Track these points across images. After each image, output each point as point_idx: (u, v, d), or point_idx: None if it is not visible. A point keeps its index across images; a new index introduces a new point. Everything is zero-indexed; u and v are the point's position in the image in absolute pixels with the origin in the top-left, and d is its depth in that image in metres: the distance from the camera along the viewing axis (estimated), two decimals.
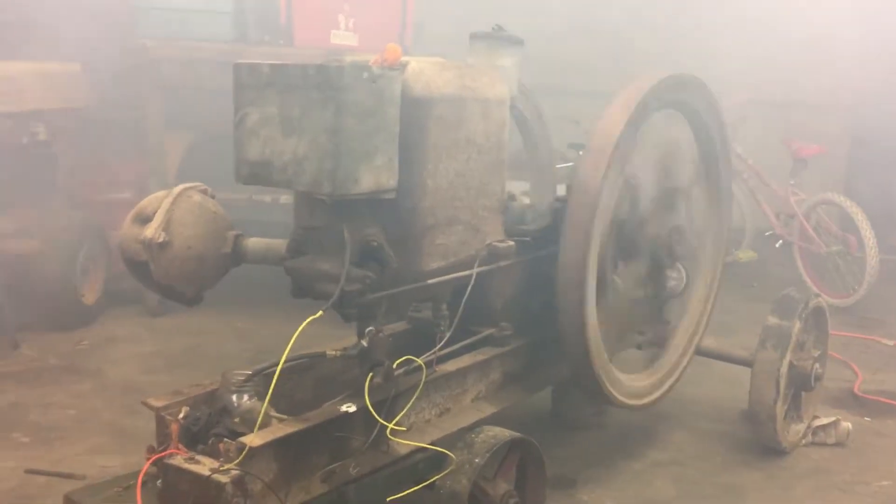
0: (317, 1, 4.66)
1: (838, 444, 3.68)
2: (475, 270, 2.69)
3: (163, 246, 2.44)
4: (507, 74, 2.85)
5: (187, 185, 2.65)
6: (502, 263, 2.82)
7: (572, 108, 6.26)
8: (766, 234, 6.68)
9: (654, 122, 3.16)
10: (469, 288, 2.66)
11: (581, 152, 5.66)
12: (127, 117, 5.12)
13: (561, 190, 3.26)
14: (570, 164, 6.47)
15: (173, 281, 2.51)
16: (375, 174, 2.33)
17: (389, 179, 2.38)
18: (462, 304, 2.66)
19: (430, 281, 2.57)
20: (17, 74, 4.72)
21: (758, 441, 3.57)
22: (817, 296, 3.66)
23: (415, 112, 2.42)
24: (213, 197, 2.69)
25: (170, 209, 2.48)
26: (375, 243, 2.42)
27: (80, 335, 4.62)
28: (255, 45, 4.73)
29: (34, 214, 4.76)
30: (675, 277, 3.47)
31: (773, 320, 3.40)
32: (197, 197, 2.59)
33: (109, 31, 5.03)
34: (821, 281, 6.24)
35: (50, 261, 4.58)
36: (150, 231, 2.44)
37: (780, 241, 6.54)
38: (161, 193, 2.60)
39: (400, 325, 3.07)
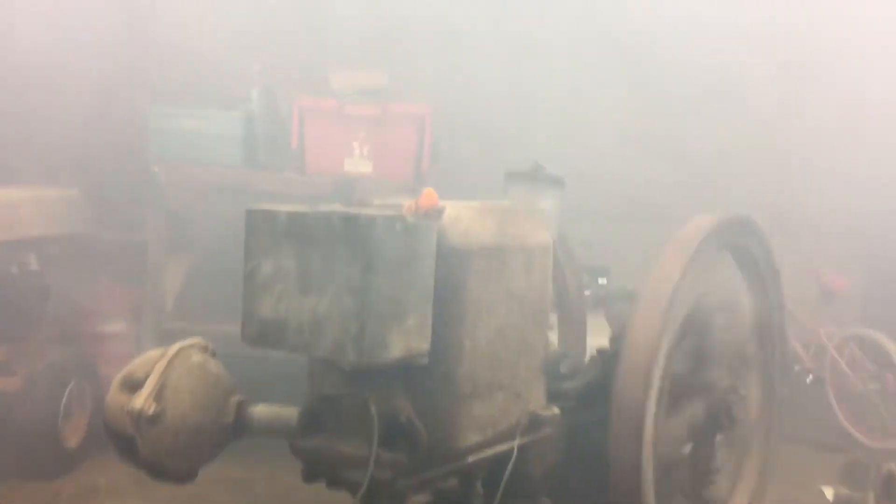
0: (330, 127, 4.45)
1: None
2: (516, 443, 2.32)
3: (154, 419, 2.08)
4: (547, 217, 2.56)
5: (185, 343, 2.31)
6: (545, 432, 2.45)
7: (578, 228, 6.07)
8: (795, 368, 6.31)
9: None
10: (511, 465, 2.28)
11: (601, 280, 5.32)
12: (126, 242, 4.84)
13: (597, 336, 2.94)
14: (588, 292, 6.16)
15: (163, 458, 2.14)
16: (406, 338, 1.99)
17: (422, 343, 2.04)
18: (502, 483, 2.28)
19: (467, 460, 2.20)
20: (10, 201, 4.44)
21: None
22: (887, 461, 3.28)
23: (452, 265, 2.11)
24: (213, 355, 2.35)
25: (164, 373, 2.14)
26: (404, 418, 2.06)
27: (59, 485, 4.18)
28: (263, 171, 4.49)
29: (19, 349, 4.40)
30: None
31: (843, 492, 3.01)
32: (196, 357, 2.24)
33: (117, 154, 4.82)
34: (857, 421, 5.83)
35: (31, 401, 4.18)
36: (140, 400, 2.08)
37: (811, 377, 6.16)
38: (154, 353, 2.26)
39: (422, 498, 2.67)
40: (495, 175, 5.07)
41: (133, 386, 2.14)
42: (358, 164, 4.47)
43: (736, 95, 6.40)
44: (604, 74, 6.03)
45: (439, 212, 2.11)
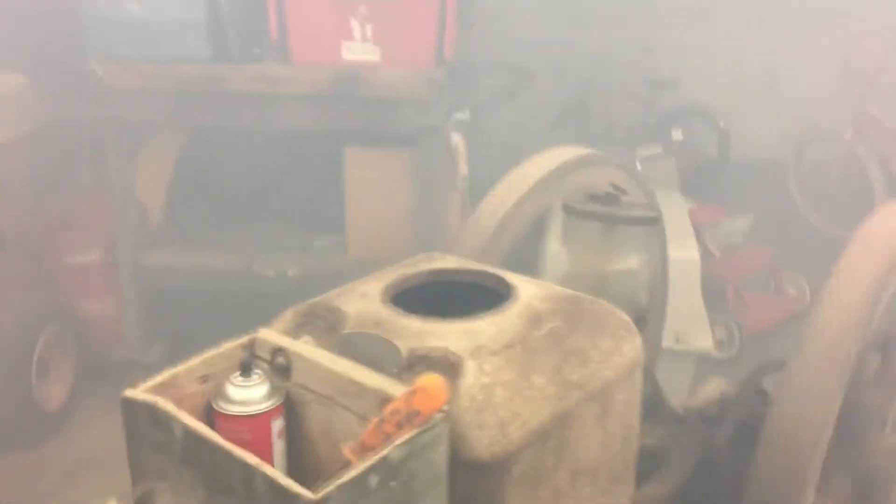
0: (319, 3, 3.32)
1: None
2: None
3: None
4: (632, 283, 1.61)
5: None
6: None
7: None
8: None
9: None
10: None
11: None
12: (82, 146, 3.95)
13: None
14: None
15: None
16: None
17: None
18: None
19: None
20: None
21: None
22: None
23: (476, 487, 1.23)
24: None
25: None
26: None
27: (44, 454, 3.61)
28: (240, 65, 3.44)
29: None
30: None
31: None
32: None
33: (54, 45, 3.78)
34: None
35: None
36: None
37: None
38: None
39: None
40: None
41: None
42: (360, 49, 3.39)
43: None
44: None
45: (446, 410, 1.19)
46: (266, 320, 3.33)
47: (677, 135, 5.11)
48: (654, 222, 1.67)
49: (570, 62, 6.10)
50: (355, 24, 3.36)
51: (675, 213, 4.35)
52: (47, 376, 3.74)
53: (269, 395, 1.31)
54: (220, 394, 1.31)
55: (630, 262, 1.63)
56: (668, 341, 3.64)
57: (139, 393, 1.22)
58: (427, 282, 1.53)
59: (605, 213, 1.64)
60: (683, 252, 3.83)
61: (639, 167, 5.06)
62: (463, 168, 3.58)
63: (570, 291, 1.49)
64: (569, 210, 1.68)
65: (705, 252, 4.85)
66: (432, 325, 1.37)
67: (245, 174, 3.92)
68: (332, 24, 3.36)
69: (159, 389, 1.25)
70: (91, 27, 3.42)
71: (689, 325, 3.80)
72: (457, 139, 3.55)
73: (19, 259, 3.86)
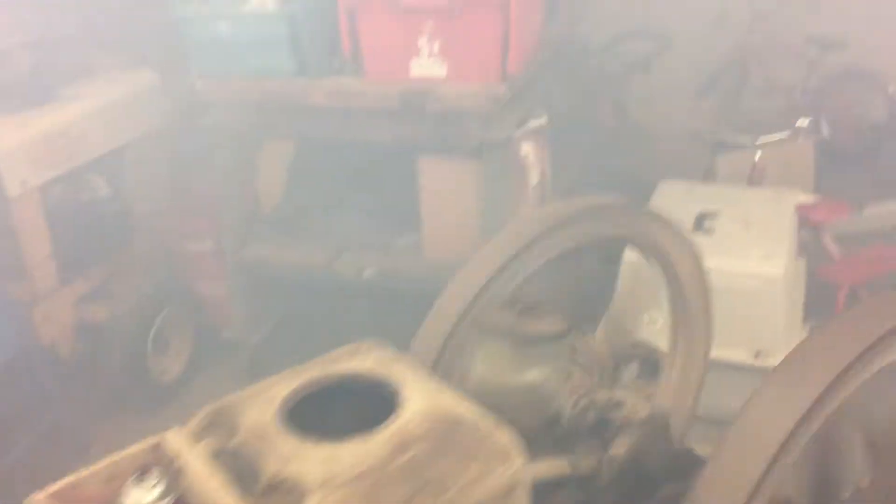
0: (388, 23, 3.42)
1: None
2: None
3: None
4: (534, 396, 1.66)
5: None
6: None
7: None
8: None
9: None
10: None
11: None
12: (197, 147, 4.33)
13: None
14: None
15: None
16: None
17: None
18: None
19: None
20: (67, 124, 3.97)
21: None
22: None
23: None
24: None
25: None
26: None
27: (160, 419, 4.11)
28: (318, 79, 3.63)
29: (101, 277, 4.18)
30: None
31: None
32: None
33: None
34: None
35: (116, 333, 4.01)
36: None
37: None
38: None
39: None
40: None
41: None
42: (428, 66, 3.47)
43: None
44: None
45: None
46: (343, 316, 3.57)
47: (803, 122, 4.76)
48: (561, 337, 1.69)
49: (719, 23, 5.84)
50: (423, 42, 3.44)
51: (776, 216, 4.14)
52: (166, 351, 4.24)
53: (163, 497, 1.53)
54: (120, 495, 1.54)
55: (532, 376, 1.67)
56: (745, 357, 3.55)
57: (41, 500, 1.47)
58: (326, 387, 1.68)
59: (510, 329, 1.68)
60: (763, 267, 3.68)
61: (757, 157, 4.80)
62: (534, 177, 3.61)
63: (459, 408, 1.58)
64: (478, 324, 1.74)
65: (823, 254, 4.56)
66: (303, 448, 1.51)
67: (341, 175, 4.16)
68: (401, 42, 3.46)
69: (63, 492, 1.50)
70: (190, 46, 3.73)
71: (772, 341, 3.67)
72: (527, 149, 3.58)
73: (148, 242, 4.35)
